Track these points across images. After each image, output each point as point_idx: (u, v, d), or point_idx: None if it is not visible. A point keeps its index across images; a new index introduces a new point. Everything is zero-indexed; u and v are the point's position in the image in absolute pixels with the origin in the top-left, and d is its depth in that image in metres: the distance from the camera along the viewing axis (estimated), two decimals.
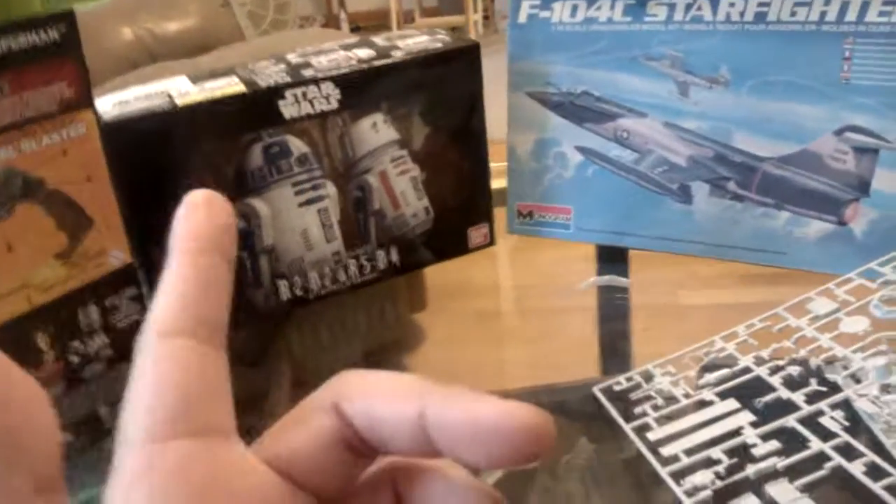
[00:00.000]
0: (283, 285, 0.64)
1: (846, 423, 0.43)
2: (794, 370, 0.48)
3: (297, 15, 2.70)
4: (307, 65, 0.63)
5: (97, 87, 0.49)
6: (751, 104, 0.64)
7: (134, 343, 0.21)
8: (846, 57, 0.60)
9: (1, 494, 0.17)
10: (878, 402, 0.43)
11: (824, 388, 0.46)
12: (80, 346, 0.50)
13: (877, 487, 0.38)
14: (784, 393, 0.46)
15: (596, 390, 0.51)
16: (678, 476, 0.42)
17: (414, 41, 0.67)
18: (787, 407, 0.45)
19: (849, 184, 0.62)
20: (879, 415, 0.43)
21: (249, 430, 0.22)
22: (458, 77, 0.66)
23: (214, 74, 0.62)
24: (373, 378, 0.21)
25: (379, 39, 0.68)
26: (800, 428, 0.43)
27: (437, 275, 0.71)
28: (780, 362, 0.49)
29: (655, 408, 0.49)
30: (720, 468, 0.42)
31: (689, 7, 0.65)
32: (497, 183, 0.73)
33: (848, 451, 0.41)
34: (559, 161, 0.73)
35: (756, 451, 0.43)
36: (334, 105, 0.61)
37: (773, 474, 0.41)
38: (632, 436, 0.47)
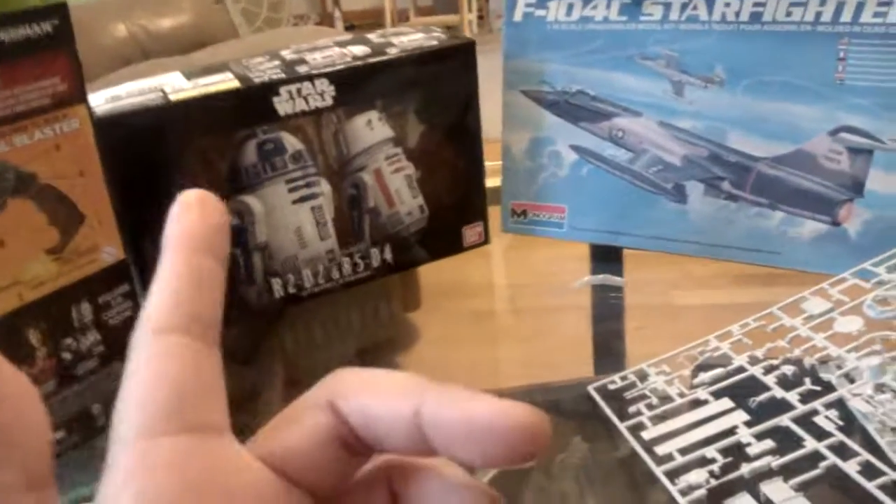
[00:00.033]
0: (276, 283, 0.64)
1: (840, 423, 0.43)
2: (789, 369, 0.48)
3: (291, 13, 2.69)
4: (302, 61, 0.62)
5: (90, 83, 0.49)
6: (746, 104, 0.64)
7: (126, 340, 0.21)
8: (841, 57, 0.60)
9: None
10: (873, 402, 0.44)
11: (818, 388, 0.46)
12: (73, 342, 0.49)
13: (871, 486, 0.38)
14: (778, 392, 0.47)
15: (590, 389, 0.51)
16: (673, 475, 0.42)
17: (409, 39, 0.67)
18: (782, 406, 0.45)
19: (843, 184, 0.62)
20: (874, 414, 0.43)
21: (242, 428, 0.22)
22: (453, 75, 0.66)
23: (208, 70, 0.62)
24: (368, 376, 0.21)
25: (374, 37, 0.68)
26: (794, 427, 0.43)
27: (431, 273, 0.70)
28: (775, 362, 0.49)
29: (650, 407, 0.49)
30: (715, 467, 0.42)
31: (684, 7, 0.65)
32: (491, 181, 0.72)
33: (842, 451, 0.41)
34: (554, 160, 0.73)
35: (750, 451, 0.43)
36: (329, 102, 0.61)
37: (768, 473, 0.41)
38: (626, 435, 0.47)
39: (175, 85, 0.59)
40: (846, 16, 0.60)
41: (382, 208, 0.66)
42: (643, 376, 0.52)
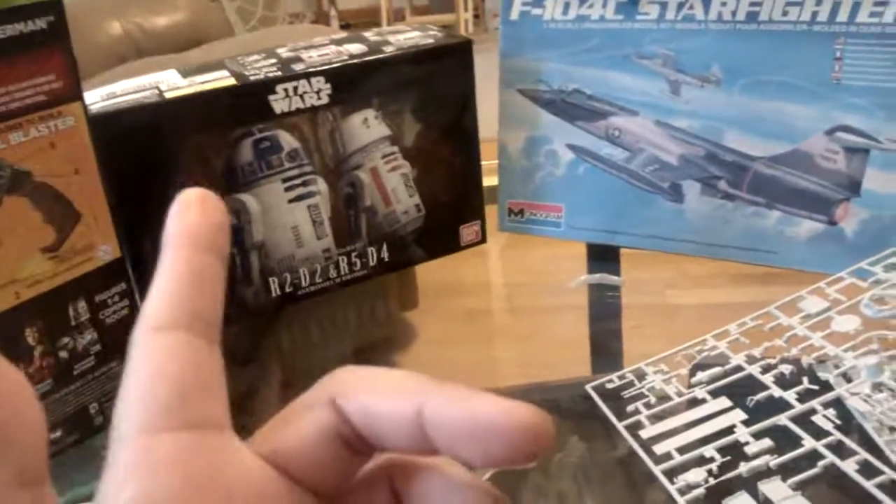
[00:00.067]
0: (273, 282, 0.64)
1: (838, 422, 0.43)
2: (786, 369, 0.48)
3: (287, 11, 2.69)
4: (298, 59, 0.62)
5: (84, 81, 0.49)
6: (742, 103, 0.64)
7: (123, 339, 0.20)
8: (837, 57, 0.61)
9: None
10: (870, 401, 0.44)
11: (816, 387, 0.46)
12: (70, 341, 0.49)
13: (869, 485, 0.38)
14: (776, 391, 0.47)
15: (588, 388, 0.51)
16: (671, 474, 0.42)
17: (405, 37, 0.66)
18: (780, 405, 0.45)
19: (839, 183, 0.62)
20: (871, 413, 0.43)
21: (239, 427, 0.21)
22: (449, 74, 0.66)
23: (204, 68, 0.62)
24: (370, 374, 0.21)
25: (370, 35, 0.68)
26: (792, 426, 0.43)
27: (428, 272, 0.70)
28: (772, 361, 0.49)
29: (648, 406, 0.49)
30: (713, 466, 0.42)
31: (681, 6, 0.65)
32: (488, 180, 0.72)
33: (840, 450, 0.41)
34: (550, 159, 0.73)
35: (749, 450, 0.43)
36: (325, 100, 0.61)
37: (766, 472, 0.41)
38: (624, 434, 0.47)
39: (171, 82, 0.59)
40: (842, 15, 0.60)
41: (379, 207, 0.66)
42: (641, 375, 0.52)
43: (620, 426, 0.47)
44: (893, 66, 0.59)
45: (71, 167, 0.48)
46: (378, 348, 0.66)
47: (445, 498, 0.20)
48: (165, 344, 0.20)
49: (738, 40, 0.63)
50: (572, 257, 0.72)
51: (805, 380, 0.47)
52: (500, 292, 0.75)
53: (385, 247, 0.67)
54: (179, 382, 0.20)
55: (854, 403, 0.44)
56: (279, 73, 0.60)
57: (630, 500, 0.45)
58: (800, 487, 0.40)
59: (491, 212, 0.73)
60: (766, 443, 0.43)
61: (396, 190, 0.66)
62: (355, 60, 0.62)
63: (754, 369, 0.49)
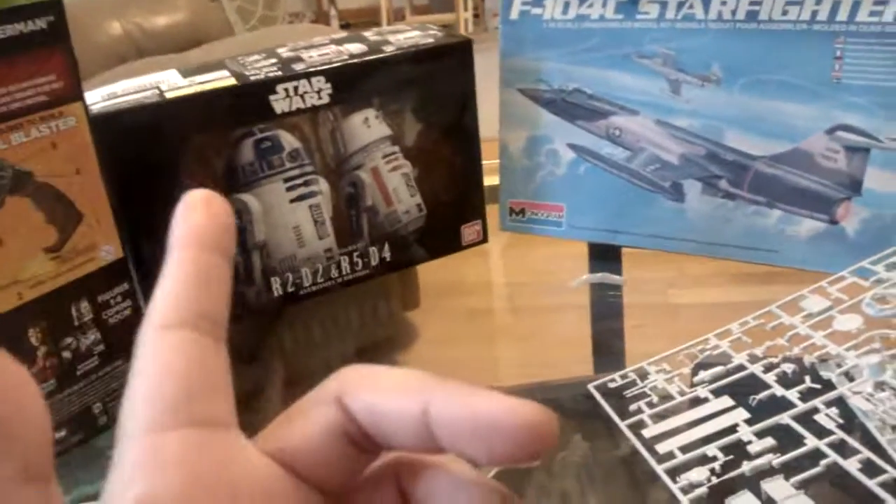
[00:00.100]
0: (274, 282, 0.64)
1: (841, 421, 0.43)
2: (788, 368, 0.48)
3: (287, 11, 2.69)
4: (298, 59, 0.62)
5: (85, 81, 0.48)
6: (742, 103, 0.64)
7: (126, 339, 0.20)
8: (837, 56, 0.61)
9: None
10: (873, 400, 0.44)
11: (818, 386, 0.46)
12: (73, 341, 0.49)
13: (872, 484, 0.38)
14: (778, 390, 0.47)
15: (591, 388, 0.51)
16: (674, 473, 0.42)
17: (405, 37, 0.66)
18: (782, 404, 0.45)
19: (840, 183, 0.62)
20: (874, 412, 0.43)
21: (244, 426, 0.21)
22: (450, 73, 0.66)
23: (205, 68, 0.62)
24: (376, 373, 0.21)
25: (370, 35, 0.68)
26: (794, 425, 0.43)
27: (429, 272, 0.70)
28: (774, 360, 0.49)
29: (650, 405, 0.49)
30: (716, 465, 0.42)
31: (680, 5, 0.65)
32: (489, 180, 0.72)
33: (843, 448, 0.41)
34: (551, 158, 0.73)
35: (751, 449, 0.43)
36: (326, 100, 0.61)
37: (769, 471, 0.41)
38: (627, 433, 0.47)
39: (171, 82, 0.59)
40: (842, 15, 0.60)
41: (380, 207, 0.66)
42: (643, 375, 0.52)
43: (623, 425, 0.47)
44: (893, 65, 0.59)
45: (72, 167, 0.48)
46: (380, 348, 0.66)
47: (452, 496, 0.20)
48: (172, 342, 0.20)
49: (738, 39, 0.63)
50: (573, 257, 0.73)
51: (807, 379, 0.47)
52: (502, 292, 0.75)
53: (387, 246, 0.67)
54: (186, 381, 0.20)
55: (856, 402, 0.44)
56: (280, 72, 0.60)
57: (633, 499, 0.45)
58: (802, 486, 0.40)
59: (492, 211, 0.73)
60: (769, 442, 0.43)
61: (398, 190, 0.66)
62: (356, 60, 0.62)
63: (756, 368, 0.49)
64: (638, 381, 0.51)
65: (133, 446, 0.19)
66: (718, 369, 0.50)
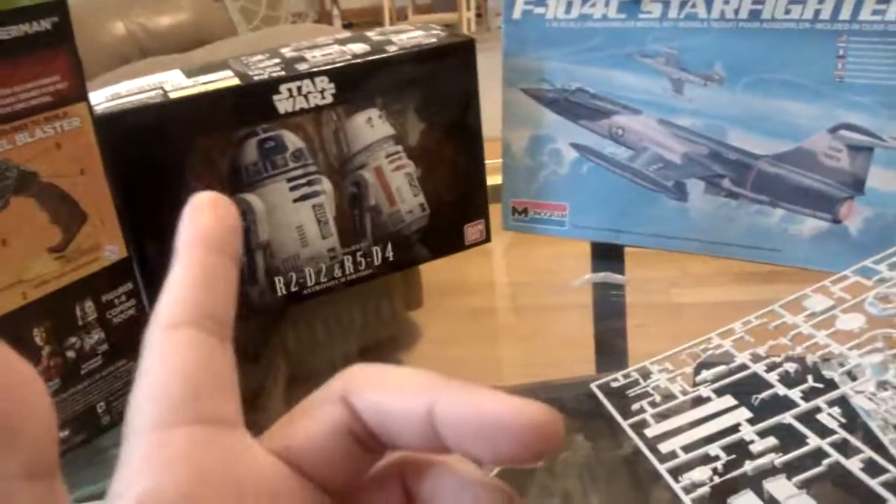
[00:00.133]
0: (278, 281, 0.64)
1: (843, 420, 0.43)
2: (791, 367, 0.48)
3: (290, 11, 2.69)
4: (302, 59, 0.62)
5: (88, 81, 0.49)
6: (745, 102, 0.64)
7: (130, 338, 0.21)
8: (840, 55, 0.61)
9: None
10: (875, 399, 0.44)
11: (821, 385, 0.46)
12: (77, 341, 0.49)
13: (874, 483, 0.38)
14: (781, 390, 0.47)
15: (593, 387, 0.51)
16: (676, 473, 0.43)
17: (408, 36, 0.66)
18: (784, 404, 0.45)
19: (843, 182, 0.62)
20: (876, 411, 0.43)
21: (249, 425, 0.22)
22: (453, 73, 0.66)
23: (208, 68, 0.62)
24: (381, 372, 0.21)
25: (373, 34, 0.68)
26: (797, 425, 0.44)
27: (432, 272, 0.70)
28: (777, 359, 0.49)
29: (653, 404, 0.49)
30: (718, 465, 0.42)
31: (683, 4, 0.65)
32: (492, 180, 0.72)
33: (845, 448, 0.41)
34: (554, 158, 0.73)
35: (754, 448, 0.43)
36: (329, 100, 0.61)
37: (771, 471, 0.41)
38: (629, 432, 0.47)
39: (175, 83, 0.59)
40: (845, 13, 0.60)
41: (383, 206, 0.66)
42: (646, 374, 0.52)
43: (625, 425, 0.47)
44: None
45: (77, 167, 0.48)
46: (383, 347, 0.66)
47: (457, 495, 0.20)
48: (179, 341, 0.20)
49: (740, 38, 0.63)
50: (576, 256, 0.73)
51: (810, 378, 0.47)
52: (505, 291, 0.75)
53: (390, 246, 0.68)
54: (193, 379, 0.20)
55: (859, 402, 0.44)
56: (283, 72, 0.60)
57: (635, 498, 0.45)
58: (805, 486, 0.40)
59: (495, 211, 0.73)
60: (771, 441, 0.43)
61: (401, 189, 0.67)
62: (359, 60, 0.62)
63: (759, 368, 0.49)
64: (640, 381, 0.51)
65: (140, 443, 0.19)
66: (721, 369, 0.50)
